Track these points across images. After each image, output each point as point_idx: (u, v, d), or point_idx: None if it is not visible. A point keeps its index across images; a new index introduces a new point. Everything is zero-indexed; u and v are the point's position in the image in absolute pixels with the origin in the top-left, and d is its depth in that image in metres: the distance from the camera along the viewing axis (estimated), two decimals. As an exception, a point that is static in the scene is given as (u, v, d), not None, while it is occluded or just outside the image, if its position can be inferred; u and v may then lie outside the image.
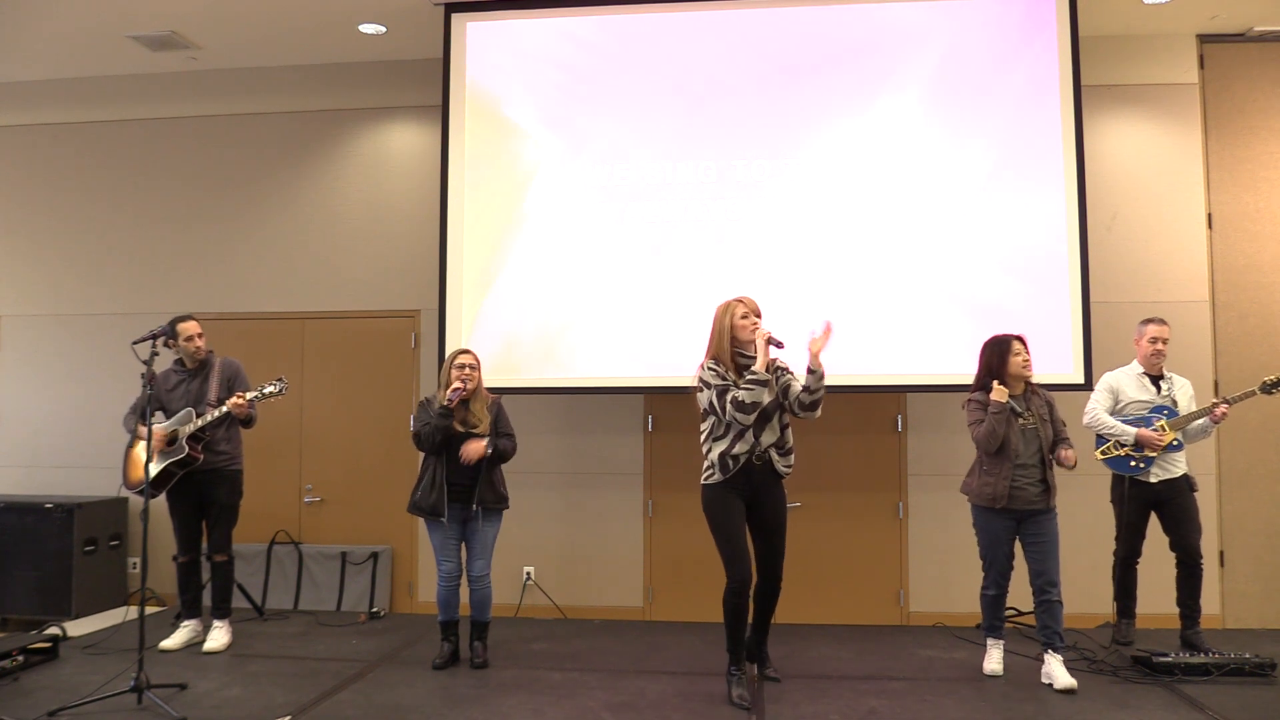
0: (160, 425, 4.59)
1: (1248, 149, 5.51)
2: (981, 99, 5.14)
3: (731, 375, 3.84)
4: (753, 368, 3.79)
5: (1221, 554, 5.31)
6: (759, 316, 3.91)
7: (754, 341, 3.84)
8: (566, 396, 5.58)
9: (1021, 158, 5.10)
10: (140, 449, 4.54)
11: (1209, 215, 5.49)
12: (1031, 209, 5.07)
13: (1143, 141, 5.52)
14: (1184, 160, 5.49)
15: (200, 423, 4.58)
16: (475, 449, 4.34)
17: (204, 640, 4.69)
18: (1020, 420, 4.09)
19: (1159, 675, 4.12)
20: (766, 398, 3.79)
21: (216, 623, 4.74)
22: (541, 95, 5.42)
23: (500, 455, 4.44)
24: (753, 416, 3.76)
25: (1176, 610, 4.60)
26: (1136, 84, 5.53)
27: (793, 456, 3.99)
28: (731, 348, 3.88)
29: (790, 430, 3.97)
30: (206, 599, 4.87)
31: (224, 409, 4.56)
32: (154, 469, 4.45)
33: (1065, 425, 4.23)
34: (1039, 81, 5.11)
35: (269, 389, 4.61)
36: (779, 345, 3.82)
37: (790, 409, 3.91)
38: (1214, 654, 4.22)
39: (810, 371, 3.79)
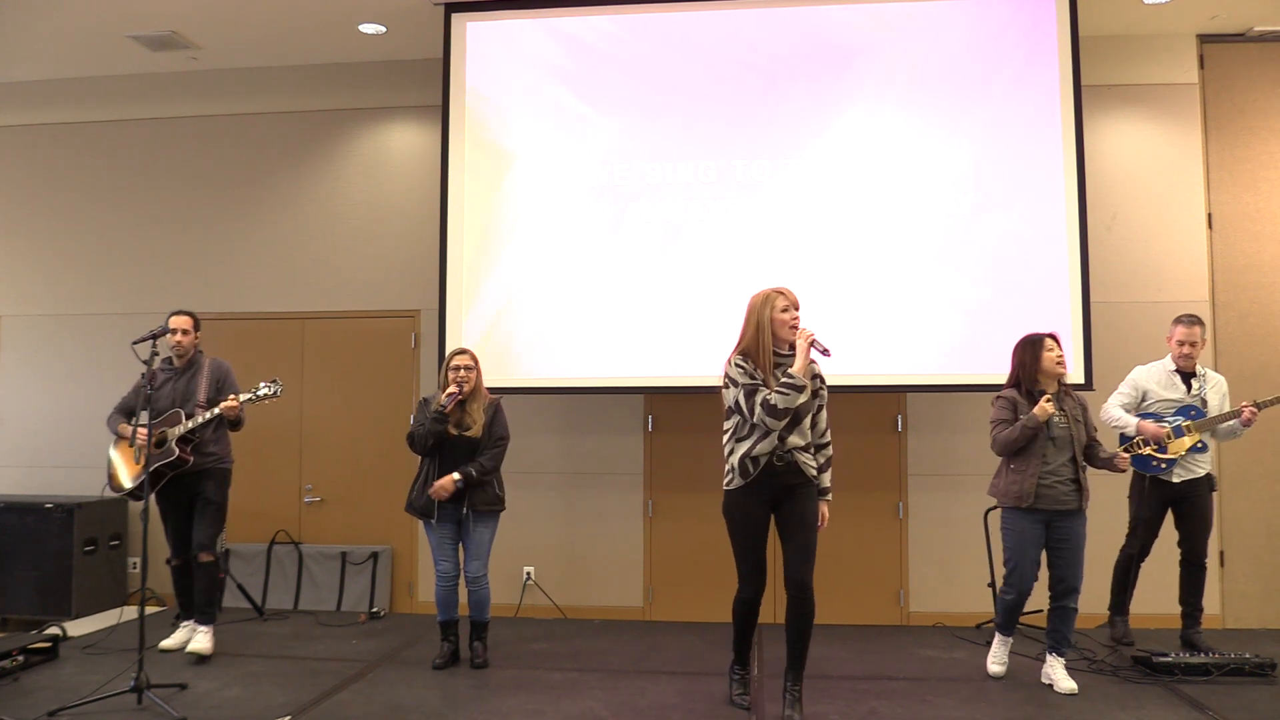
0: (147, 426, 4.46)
1: (1248, 149, 5.51)
2: (982, 99, 5.13)
3: (761, 373, 3.54)
4: (790, 370, 3.49)
5: (1221, 554, 5.31)
6: (798, 309, 3.63)
7: (794, 340, 3.55)
8: (566, 396, 5.58)
9: (1021, 157, 5.10)
10: (122, 450, 4.54)
11: (1209, 215, 5.49)
12: (1031, 209, 5.07)
13: (1143, 141, 5.52)
14: (1184, 160, 5.49)
15: (190, 424, 4.42)
16: (444, 485, 4.28)
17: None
18: (1055, 420, 3.97)
19: (1159, 675, 4.12)
20: (801, 400, 3.51)
21: (200, 628, 4.51)
22: (541, 95, 5.42)
23: (472, 480, 4.31)
24: (784, 422, 3.49)
25: (1176, 610, 4.62)
26: (1136, 84, 5.53)
27: (825, 480, 3.66)
28: (770, 344, 3.58)
29: (825, 441, 3.69)
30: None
31: (216, 411, 4.41)
32: (139, 472, 4.39)
33: (1096, 430, 4.15)
34: (1039, 81, 5.11)
35: (263, 390, 4.44)
36: (825, 353, 3.55)
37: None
38: (1214, 654, 4.22)
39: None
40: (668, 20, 5.35)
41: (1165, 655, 4.20)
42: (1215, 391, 4.50)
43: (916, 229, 5.13)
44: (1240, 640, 4.74)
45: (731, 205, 5.25)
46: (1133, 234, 5.47)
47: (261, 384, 4.46)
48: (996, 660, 4.25)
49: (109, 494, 4.62)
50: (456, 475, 4.30)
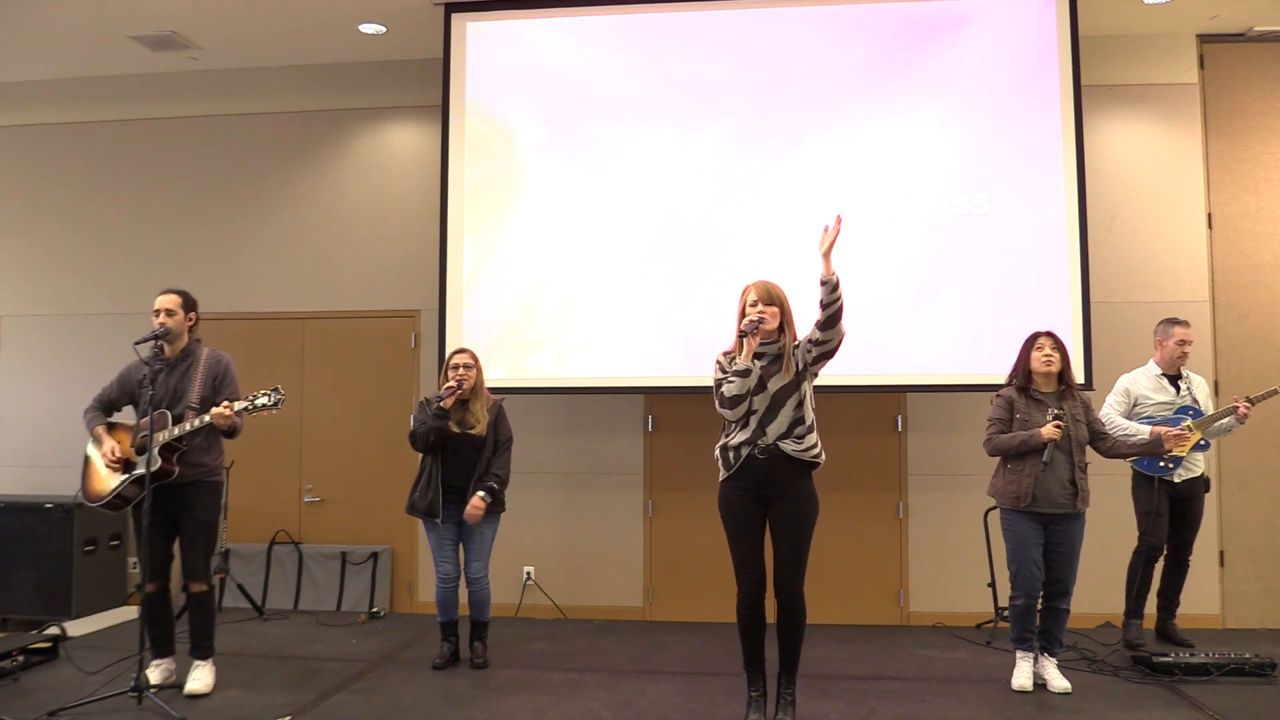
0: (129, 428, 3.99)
1: (1248, 149, 5.51)
2: (982, 98, 5.13)
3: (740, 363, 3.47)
4: (737, 358, 3.47)
5: (1221, 554, 5.31)
6: (772, 304, 3.51)
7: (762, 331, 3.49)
8: (566, 396, 5.58)
9: (1021, 158, 5.10)
10: (98, 455, 4.05)
11: (1209, 215, 5.49)
12: (1031, 209, 5.07)
13: (1143, 141, 5.52)
14: (1184, 160, 5.49)
15: (177, 431, 3.85)
16: (478, 508, 4.27)
17: (183, 681, 3.98)
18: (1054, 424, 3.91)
19: (1159, 675, 4.12)
20: (781, 383, 3.44)
21: (198, 663, 4.00)
22: (541, 95, 5.42)
23: (496, 495, 4.37)
24: (737, 411, 3.45)
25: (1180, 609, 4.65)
26: (1136, 84, 5.53)
27: (810, 440, 3.48)
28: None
29: (805, 417, 3.47)
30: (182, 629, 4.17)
31: (206, 419, 3.85)
32: (117, 481, 3.95)
33: (1103, 426, 4.13)
34: (1039, 81, 5.11)
35: (261, 400, 3.89)
36: (740, 334, 3.48)
37: (809, 355, 3.48)
38: (1213, 654, 4.21)
39: (822, 283, 3.37)
40: (669, 20, 5.35)
41: (1165, 655, 4.20)
42: (1200, 391, 4.60)
43: (916, 228, 5.13)
44: (1240, 640, 4.74)
45: (731, 205, 5.24)
46: (1133, 234, 5.47)
47: (261, 393, 3.92)
48: (1021, 674, 4.06)
49: (82, 500, 4.10)
50: (482, 493, 4.30)
